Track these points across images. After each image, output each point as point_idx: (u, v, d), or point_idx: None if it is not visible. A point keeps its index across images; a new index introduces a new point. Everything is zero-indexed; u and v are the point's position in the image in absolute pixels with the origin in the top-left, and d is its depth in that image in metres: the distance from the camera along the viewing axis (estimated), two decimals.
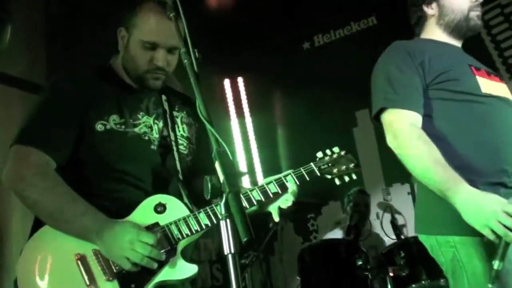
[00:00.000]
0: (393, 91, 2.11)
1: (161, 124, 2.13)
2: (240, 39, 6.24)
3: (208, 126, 1.45)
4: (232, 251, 1.33)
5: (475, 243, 1.96)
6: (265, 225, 3.87)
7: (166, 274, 1.87)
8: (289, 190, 2.02)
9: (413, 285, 3.54)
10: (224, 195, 1.35)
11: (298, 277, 3.78)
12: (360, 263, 3.52)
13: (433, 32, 2.34)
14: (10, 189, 1.92)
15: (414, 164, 2.02)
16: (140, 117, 2.08)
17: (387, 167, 5.80)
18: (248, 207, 1.97)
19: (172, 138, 2.13)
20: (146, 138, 2.06)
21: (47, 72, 4.64)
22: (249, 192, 1.99)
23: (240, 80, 6.70)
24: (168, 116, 2.17)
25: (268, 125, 6.46)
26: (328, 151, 2.13)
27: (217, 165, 1.39)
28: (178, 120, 2.21)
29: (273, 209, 2.06)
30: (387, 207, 4.47)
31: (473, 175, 1.97)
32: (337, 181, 2.11)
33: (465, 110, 2.10)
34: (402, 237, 3.78)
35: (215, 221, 1.90)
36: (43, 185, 1.88)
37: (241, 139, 6.50)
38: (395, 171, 5.72)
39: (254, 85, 6.64)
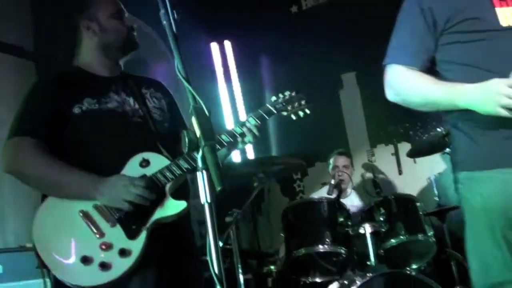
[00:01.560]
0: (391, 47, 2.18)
1: (131, 99, 2.36)
2: (227, 2, 6.24)
3: (185, 83, 1.55)
4: (208, 201, 1.45)
5: (476, 177, 2.01)
6: (250, 185, 3.97)
7: (160, 213, 2.15)
8: (249, 126, 2.28)
9: (392, 240, 3.67)
10: (200, 149, 1.46)
11: (281, 234, 3.92)
12: (341, 219, 3.64)
13: None
14: (12, 173, 2.21)
15: (413, 99, 2.08)
16: (111, 95, 2.33)
17: (372, 129, 5.91)
18: (220, 148, 2.24)
19: (145, 110, 2.35)
20: (120, 110, 2.31)
21: (34, 38, 4.67)
22: (218, 137, 2.24)
23: (227, 43, 6.67)
24: (136, 93, 2.40)
25: (255, 89, 6.47)
26: (280, 94, 2.40)
27: (193, 121, 1.50)
28: (148, 96, 2.44)
29: (242, 147, 2.36)
30: (369, 167, 4.60)
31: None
32: (293, 117, 2.40)
33: (479, 49, 2.02)
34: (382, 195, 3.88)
35: (194, 165, 2.13)
36: (41, 161, 2.17)
37: (229, 103, 6.54)
38: (380, 132, 5.86)
39: (242, 48, 6.64)
